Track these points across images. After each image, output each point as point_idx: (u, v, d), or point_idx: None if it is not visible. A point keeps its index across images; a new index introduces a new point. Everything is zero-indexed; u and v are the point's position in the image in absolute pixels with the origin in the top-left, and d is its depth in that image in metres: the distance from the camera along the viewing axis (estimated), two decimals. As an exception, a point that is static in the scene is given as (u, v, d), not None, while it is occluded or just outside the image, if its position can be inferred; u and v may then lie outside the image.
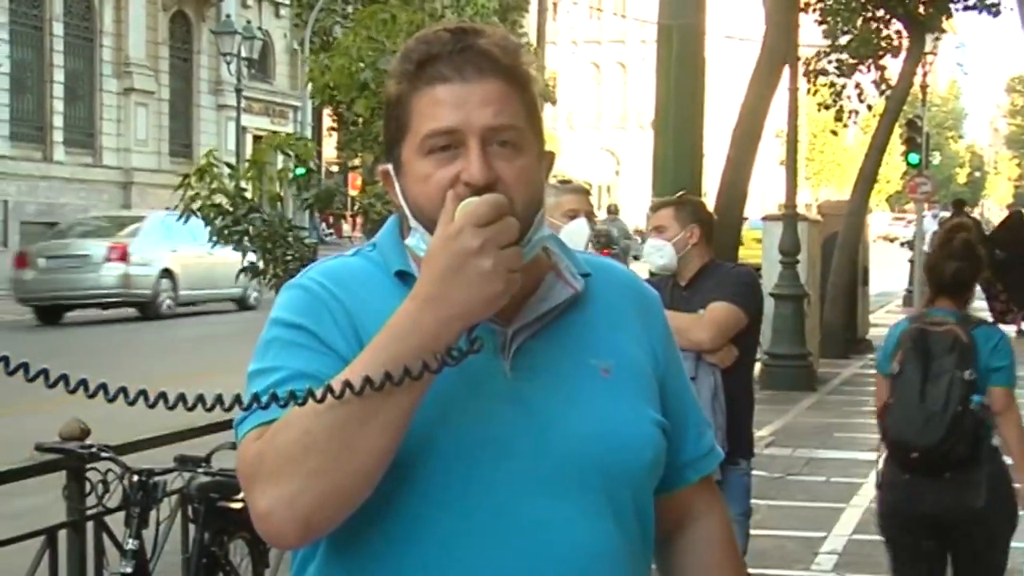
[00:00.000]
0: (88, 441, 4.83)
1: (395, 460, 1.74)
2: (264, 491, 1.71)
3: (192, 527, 5.38)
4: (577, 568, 1.82)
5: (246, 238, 5.72)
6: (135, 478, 4.84)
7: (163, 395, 1.56)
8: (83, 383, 1.49)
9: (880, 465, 5.23)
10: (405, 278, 1.85)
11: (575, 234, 4.85)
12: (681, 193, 6.05)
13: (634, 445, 1.88)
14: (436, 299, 1.68)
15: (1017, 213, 22.32)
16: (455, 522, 1.80)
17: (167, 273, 23.09)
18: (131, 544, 4.85)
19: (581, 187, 5.10)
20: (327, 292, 1.85)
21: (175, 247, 22.22)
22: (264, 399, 1.65)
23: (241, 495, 5.30)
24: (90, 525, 4.92)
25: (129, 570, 4.83)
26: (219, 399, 1.59)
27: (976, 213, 65.19)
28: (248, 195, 5.73)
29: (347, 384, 1.62)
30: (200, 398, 1.59)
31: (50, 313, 22.42)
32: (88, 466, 4.79)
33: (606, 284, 1.98)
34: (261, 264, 5.82)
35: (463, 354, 1.70)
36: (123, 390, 1.52)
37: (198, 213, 5.69)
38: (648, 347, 1.98)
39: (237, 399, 1.63)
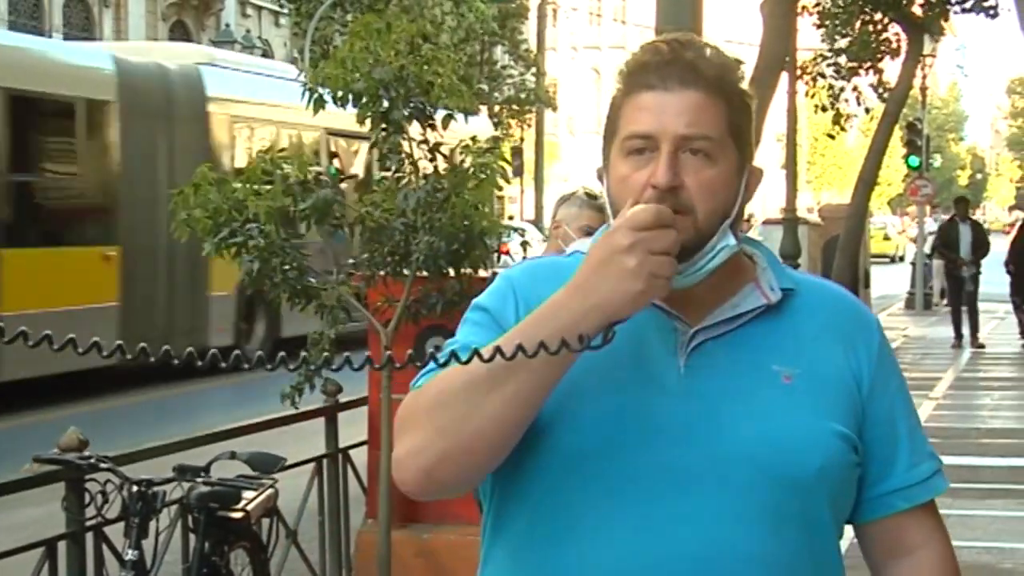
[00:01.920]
0: (87, 452, 4.83)
1: (558, 447, 1.87)
2: (401, 440, 1.89)
3: (192, 537, 5.38)
4: (717, 564, 1.86)
5: (244, 250, 5.70)
6: (134, 488, 4.84)
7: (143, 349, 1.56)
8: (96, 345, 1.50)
9: None
10: None
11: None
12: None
13: (800, 450, 1.90)
14: (581, 288, 1.79)
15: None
16: (605, 506, 1.88)
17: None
18: (131, 555, 4.85)
19: (603, 205, 5.12)
20: (519, 282, 2.01)
21: None
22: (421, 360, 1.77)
23: (240, 505, 5.34)
24: (89, 536, 4.93)
25: (129, 580, 4.83)
26: (283, 360, 1.61)
27: (978, 214, 64.90)
28: (247, 205, 5.71)
29: (475, 351, 1.69)
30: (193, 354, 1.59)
31: None
32: (87, 477, 4.80)
33: (813, 302, 2.03)
34: (259, 275, 5.79)
35: (590, 345, 1.76)
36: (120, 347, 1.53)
37: (195, 228, 5.67)
38: (848, 366, 2.00)
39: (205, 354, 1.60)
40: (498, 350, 1.70)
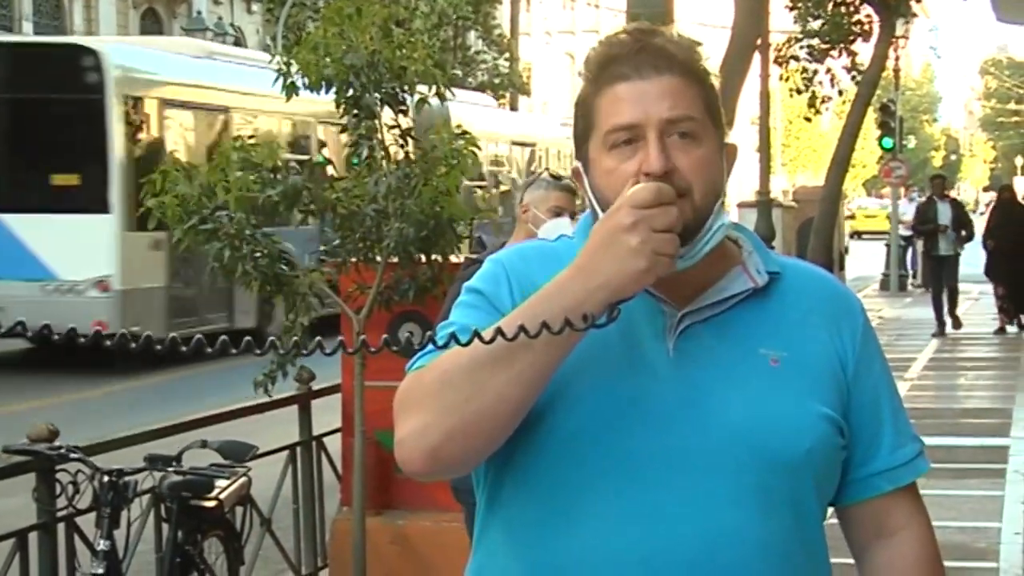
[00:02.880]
0: (57, 442, 4.80)
1: (555, 430, 1.89)
2: (403, 421, 1.89)
3: (165, 526, 5.36)
4: (712, 547, 1.88)
5: (215, 237, 5.67)
6: (105, 478, 4.81)
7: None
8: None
9: None
10: None
11: (554, 232, 4.85)
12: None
13: (789, 432, 1.92)
14: (584, 268, 1.80)
15: (1005, 194, 20.54)
16: (598, 489, 1.90)
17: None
18: (103, 545, 4.82)
19: (570, 186, 5.11)
20: (511, 265, 2.02)
21: None
22: (421, 342, 1.82)
23: (213, 493, 5.32)
24: (61, 527, 4.90)
25: (101, 571, 4.81)
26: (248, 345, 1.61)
27: (952, 195, 65.12)
28: (216, 192, 5.68)
29: (476, 333, 1.71)
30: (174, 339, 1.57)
31: None
32: (58, 467, 4.77)
33: (798, 285, 2.05)
34: (230, 263, 5.76)
35: (594, 323, 1.78)
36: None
37: (164, 216, 5.64)
38: (834, 349, 2.01)
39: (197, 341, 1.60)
40: (499, 331, 1.71)
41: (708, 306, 1.96)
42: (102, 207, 15.63)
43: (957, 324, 19.17)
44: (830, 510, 2.08)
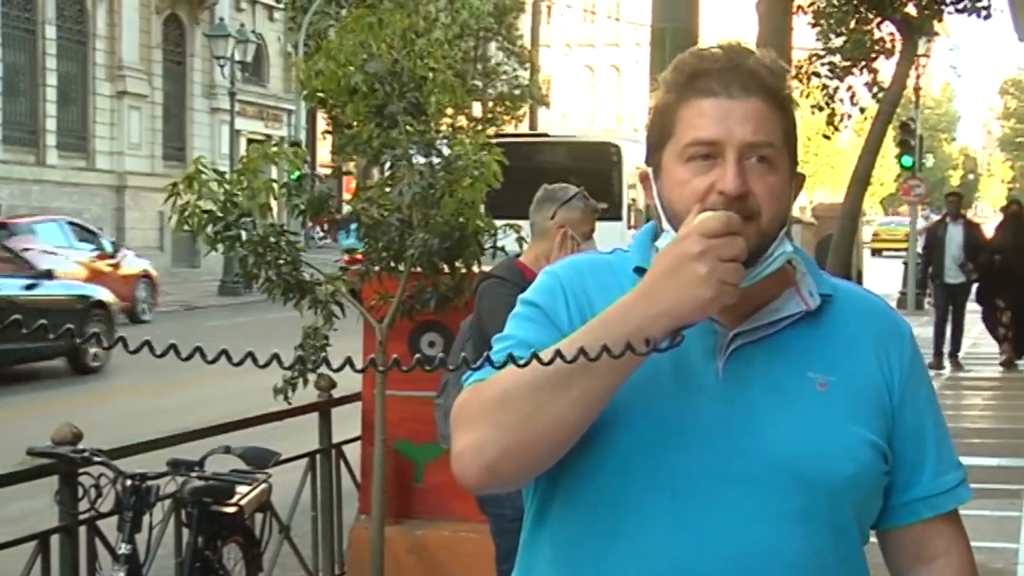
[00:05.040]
0: (80, 445, 4.82)
1: (605, 450, 1.91)
2: (461, 435, 1.91)
3: (185, 531, 5.38)
4: (750, 566, 1.89)
5: (238, 243, 5.70)
6: (128, 482, 4.83)
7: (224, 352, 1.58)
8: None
9: None
10: (642, 274, 1.93)
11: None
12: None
13: (832, 455, 1.93)
14: (649, 294, 1.80)
15: (1014, 207, 18.17)
16: (644, 505, 1.91)
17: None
18: (124, 548, 4.83)
19: (598, 208, 5.18)
20: (567, 278, 2.03)
21: None
22: (478, 360, 1.78)
23: (234, 499, 5.34)
24: (83, 530, 4.92)
25: (122, 574, 4.82)
26: (275, 357, 1.62)
27: (969, 215, 65.00)
28: (238, 200, 5.70)
29: (535, 354, 1.70)
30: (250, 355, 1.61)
31: None
32: (80, 470, 4.79)
33: (849, 308, 2.06)
34: (254, 269, 5.79)
35: (657, 348, 1.78)
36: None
37: (190, 222, 5.67)
38: (881, 375, 2.03)
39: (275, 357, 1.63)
40: (559, 353, 1.71)
41: (760, 327, 1.97)
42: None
43: (957, 367, 17.34)
44: (872, 533, 2.09)
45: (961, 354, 17.84)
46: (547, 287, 2.04)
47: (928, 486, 2.06)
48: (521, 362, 1.69)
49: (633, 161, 21.05)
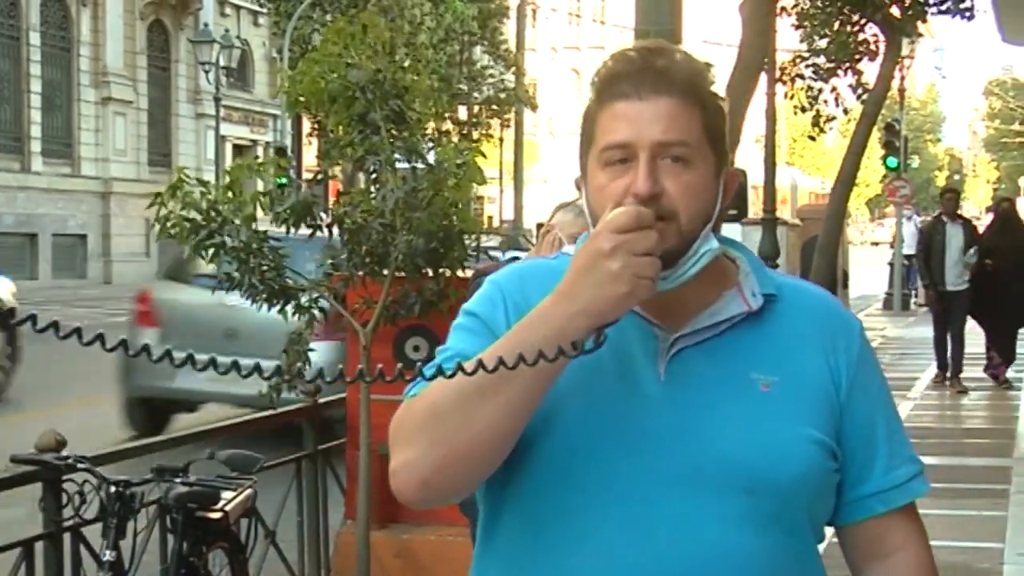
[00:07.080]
0: (64, 452, 4.81)
1: (546, 454, 1.90)
2: (396, 452, 1.91)
3: (170, 537, 5.36)
4: (701, 568, 1.88)
5: (222, 251, 5.70)
6: (112, 489, 4.81)
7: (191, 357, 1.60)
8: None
9: None
10: None
11: None
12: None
13: (777, 457, 1.92)
14: (566, 295, 1.80)
15: (1005, 205, 16.49)
16: (592, 510, 1.91)
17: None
18: (108, 555, 4.82)
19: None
20: (508, 286, 2.04)
21: None
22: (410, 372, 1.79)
23: (219, 505, 5.33)
24: (67, 537, 4.90)
25: (106, 581, 4.81)
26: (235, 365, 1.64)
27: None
28: (222, 210, 5.70)
29: (459, 366, 1.72)
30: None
31: None
32: (64, 477, 4.77)
33: (796, 306, 2.04)
34: (237, 276, 5.79)
35: (582, 349, 1.78)
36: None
37: (173, 232, 5.66)
38: (828, 371, 2.01)
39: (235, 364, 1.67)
40: (480, 363, 1.71)
41: (701, 330, 1.96)
42: None
43: (960, 391, 15.24)
44: (830, 530, 2.08)
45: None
46: (487, 296, 2.04)
47: (880, 481, 2.05)
48: (448, 373, 1.69)
49: None
